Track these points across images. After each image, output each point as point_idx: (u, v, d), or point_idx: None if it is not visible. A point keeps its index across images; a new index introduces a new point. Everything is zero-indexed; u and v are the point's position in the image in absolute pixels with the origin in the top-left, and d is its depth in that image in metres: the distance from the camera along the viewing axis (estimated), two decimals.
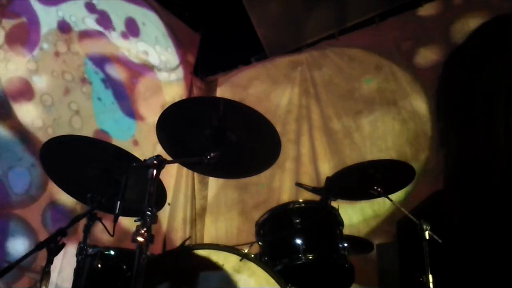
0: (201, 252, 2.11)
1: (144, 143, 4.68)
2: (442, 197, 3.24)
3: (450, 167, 3.33)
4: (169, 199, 4.42)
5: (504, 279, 2.68)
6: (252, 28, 5.74)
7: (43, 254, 1.96)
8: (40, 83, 3.97)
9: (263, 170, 2.58)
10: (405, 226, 3.11)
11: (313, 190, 2.77)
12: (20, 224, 3.55)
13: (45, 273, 1.95)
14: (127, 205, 1.85)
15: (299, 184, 2.93)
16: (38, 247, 1.95)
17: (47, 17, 4.16)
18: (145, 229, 1.66)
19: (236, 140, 2.31)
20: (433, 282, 2.37)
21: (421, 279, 2.40)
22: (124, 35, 4.92)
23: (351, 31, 5.32)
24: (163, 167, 1.81)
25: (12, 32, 3.84)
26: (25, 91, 3.85)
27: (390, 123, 4.56)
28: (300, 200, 2.61)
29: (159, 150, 2.30)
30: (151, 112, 4.84)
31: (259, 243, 2.57)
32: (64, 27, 4.28)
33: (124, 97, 4.70)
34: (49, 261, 1.96)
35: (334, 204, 2.61)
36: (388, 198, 2.71)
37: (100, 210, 2.26)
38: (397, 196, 2.94)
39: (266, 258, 2.44)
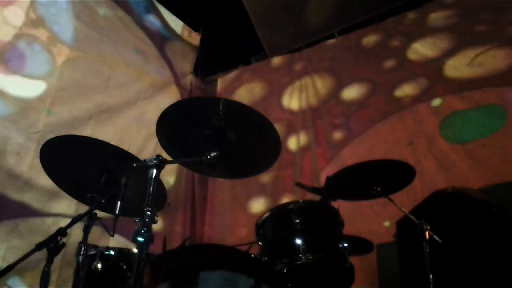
0: (201, 252, 2.11)
1: None
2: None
3: None
4: (169, 199, 4.42)
5: (504, 279, 2.68)
6: (252, 28, 5.75)
7: None
8: None
9: (263, 170, 2.58)
10: (405, 226, 3.11)
11: (313, 190, 2.77)
12: None
13: (45, 273, 1.95)
14: (127, 205, 1.86)
15: (299, 184, 2.93)
16: (38, 247, 1.95)
17: None
18: (145, 229, 1.66)
19: (236, 140, 2.30)
20: (433, 282, 2.37)
21: (421, 279, 2.40)
22: None
23: (351, 31, 5.34)
24: (163, 167, 1.81)
25: None
26: None
27: None
28: (300, 200, 2.61)
29: None
30: None
31: (259, 243, 2.57)
32: None
33: None
34: (49, 261, 1.96)
35: (334, 204, 2.61)
36: (388, 198, 2.71)
37: (100, 210, 2.26)
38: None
39: (266, 258, 2.44)
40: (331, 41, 5.45)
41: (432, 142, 4.30)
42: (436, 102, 4.45)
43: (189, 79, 5.86)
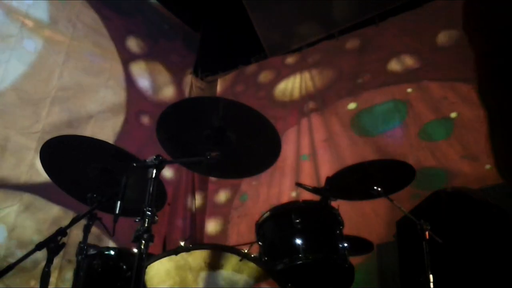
0: (201, 252, 2.11)
1: None
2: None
3: None
4: (169, 199, 4.42)
5: (504, 279, 2.68)
6: (252, 28, 5.74)
7: None
8: None
9: (263, 170, 2.58)
10: (405, 226, 3.11)
11: (313, 190, 2.77)
12: None
13: (45, 273, 1.95)
14: (127, 205, 1.85)
15: (299, 184, 2.92)
16: (38, 246, 1.95)
17: None
18: (145, 229, 1.66)
19: (236, 140, 2.30)
20: (433, 282, 2.37)
21: (421, 279, 2.40)
22: None
23: (351, 31, 5.34)
24: (163, 167, 1.82)
25: None
26: None
27: None
28: (300, 200, 2.61)
29: None
30: None
31: (259, 243, 2.57)
32: None
33: None
34: (49, 261, 1.96)
35: (334, 204, 2.61)
36: (388, 198, 2.71)
37: (100, 210, 2.26)
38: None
39: (266, 258, 2.44)
40: (331, 41, 5.45)
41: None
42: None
43: (189, 79, 5.86)
